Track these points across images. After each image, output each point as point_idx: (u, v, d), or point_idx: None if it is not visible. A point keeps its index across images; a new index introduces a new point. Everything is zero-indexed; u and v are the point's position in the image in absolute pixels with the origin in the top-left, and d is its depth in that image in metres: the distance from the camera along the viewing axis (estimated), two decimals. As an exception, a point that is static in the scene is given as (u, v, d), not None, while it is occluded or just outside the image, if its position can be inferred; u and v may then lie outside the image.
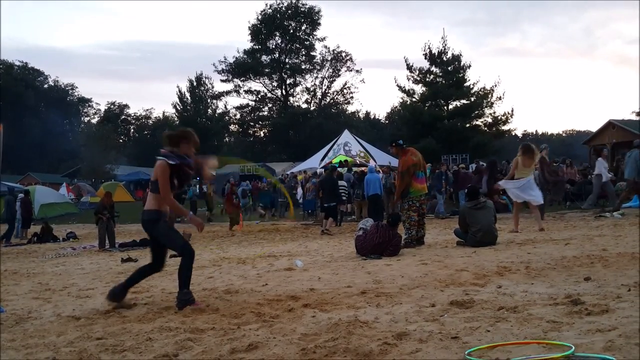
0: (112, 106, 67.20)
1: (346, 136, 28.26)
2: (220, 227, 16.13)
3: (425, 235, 8.51)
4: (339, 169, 20.87)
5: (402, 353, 2.83)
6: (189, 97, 48.25)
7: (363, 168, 22.01)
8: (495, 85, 31.88)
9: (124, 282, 4.61)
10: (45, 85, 67.14)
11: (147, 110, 63.88)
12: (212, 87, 50.37)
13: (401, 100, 34.66)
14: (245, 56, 49.24)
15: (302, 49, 50.71)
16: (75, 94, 70.09)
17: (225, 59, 49.45)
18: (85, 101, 70.76)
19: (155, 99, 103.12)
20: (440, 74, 32.13)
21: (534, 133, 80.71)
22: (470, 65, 31.89)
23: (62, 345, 3.35)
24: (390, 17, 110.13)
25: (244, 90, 50.51)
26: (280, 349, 3.00)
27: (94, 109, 71.33)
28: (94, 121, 68.16)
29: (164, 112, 60.93)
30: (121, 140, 63.02)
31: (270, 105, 52.54)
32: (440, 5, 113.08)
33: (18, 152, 47.32)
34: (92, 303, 4.83)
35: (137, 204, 24.39)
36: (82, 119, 72.38)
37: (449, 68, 31.82)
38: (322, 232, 12.81)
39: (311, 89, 51.91)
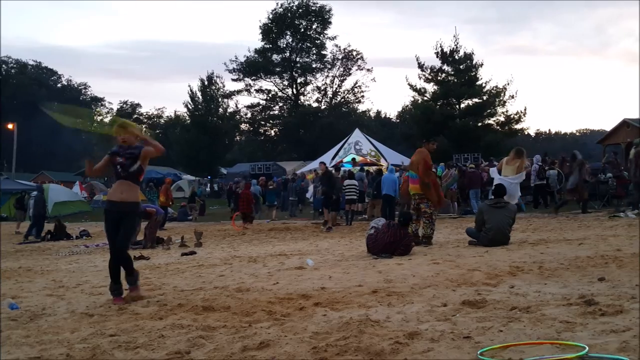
0: (124, 105, 67.75)
1: (357, 135, 28.24)
2: (230, 226, 16.19)
3: (420, 236, 8.32)
4: (350, 168, 20.89)
5: (414, 352, 2.82)
6: (200, 96, 48.32)
7: (375, 167, 22.01)
8: (508, 84, 31.54)
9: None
10: (59, 85, 67.81)
11: (159, 109, 64.16)
12: (223, 86, 50.24)
13: (412, 99, 34.42)
14: (256, 55, 49.25)
15: (313, 48, 50.60)
16: (88, 93, 70.79)
17: (236, 58, 49.53)
18: (98, 100, 71.36)
19: (167, 98, 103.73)
20: (452, 72, 31.90)
21: (547, 132, 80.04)
22: (482, 64, 31.61)
23: (76, 342, 3.39)
24: (399, 14, 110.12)
25: (254, 89, 50.58)
26: (291, 347, 3.00)
27: (107, 108, 71.99)
28: (106, 120, 68.66)
29: (175, 111, 61.19)
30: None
31: (281, 104, 52.54)
32: (450, 2, 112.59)
33: (31, 151, 47.81)
34: (105, 300, 4.87)
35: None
36: (95, 117, 72.98)
37: (461, 66, 31.58)
38: (330, 229, 12.98)
39: (322, 88, 51.85)
